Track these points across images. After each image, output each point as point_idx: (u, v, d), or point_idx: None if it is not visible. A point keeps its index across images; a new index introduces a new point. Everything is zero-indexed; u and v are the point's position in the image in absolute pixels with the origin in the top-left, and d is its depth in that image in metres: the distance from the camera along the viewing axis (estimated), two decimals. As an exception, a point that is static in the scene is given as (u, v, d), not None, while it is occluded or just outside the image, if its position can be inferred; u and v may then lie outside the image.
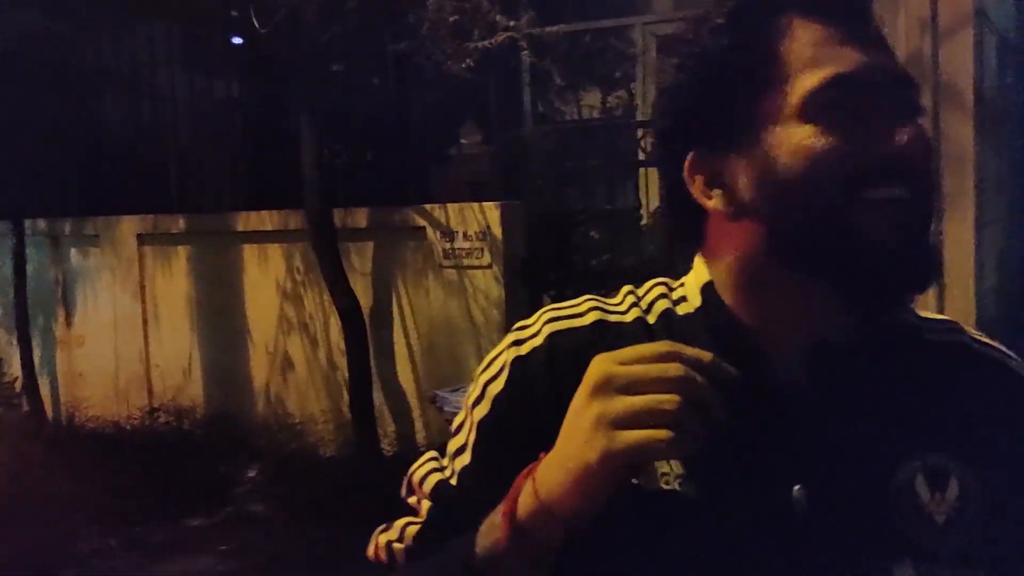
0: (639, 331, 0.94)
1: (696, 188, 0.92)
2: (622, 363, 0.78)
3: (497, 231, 5.45)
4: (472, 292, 5.53)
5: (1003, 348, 0.98)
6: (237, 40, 7.04)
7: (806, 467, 0.86)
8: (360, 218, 5.91)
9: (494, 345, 0.96)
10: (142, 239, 6.69)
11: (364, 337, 5.55)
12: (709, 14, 0.91)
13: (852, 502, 0.86)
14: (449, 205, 5.63)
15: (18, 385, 6.64)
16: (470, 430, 0.95)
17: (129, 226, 6.74)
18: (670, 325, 0.94)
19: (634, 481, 0.83)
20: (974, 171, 7.34)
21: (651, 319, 0.96)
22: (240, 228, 6.32)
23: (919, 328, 0.96)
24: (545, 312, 0.97)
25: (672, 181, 0.94)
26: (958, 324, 0.98)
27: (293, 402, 6.15)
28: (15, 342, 6.61)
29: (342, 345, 5.63)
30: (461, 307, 5.55)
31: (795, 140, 0.86)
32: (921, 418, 0.89)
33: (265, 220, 6.23)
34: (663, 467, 0.86)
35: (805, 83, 0.86)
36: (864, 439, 0.88)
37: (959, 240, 7.31)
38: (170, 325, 6.57)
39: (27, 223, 6.72)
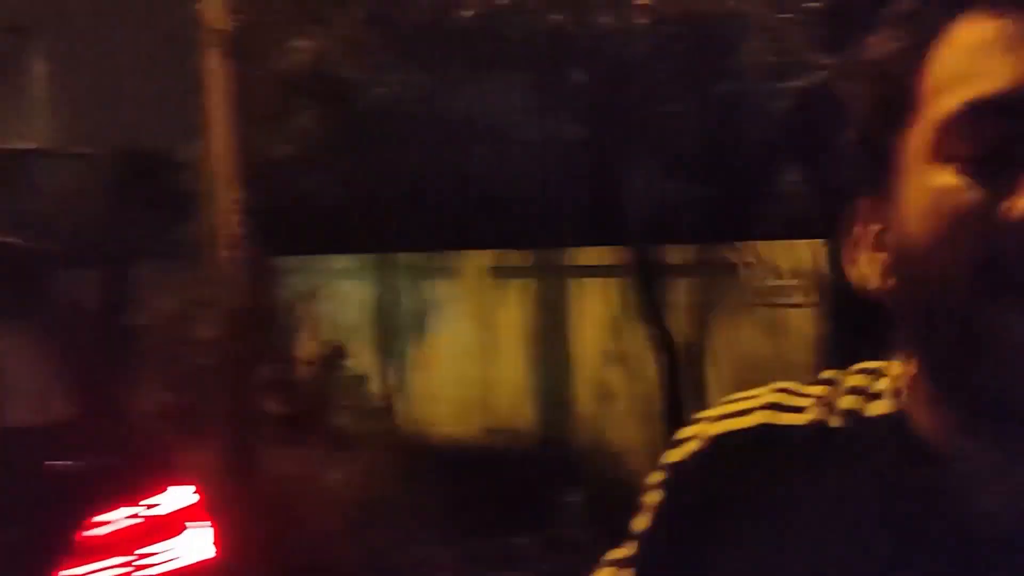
0: (811, 439, 0.75)
1: (850, 257, 0.72)
2: None
3: (817, 270, 5.38)
4: (788, 331, 5.49)
5: None
6: (579, 82, 7.42)
7: None
8: (682, 255, 6.05)
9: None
10: (490, 272, 7.25)
11: (678, 372, 5.67)
12: (879, 17, 0.70)
13: None
14: (771, 242, 5.62)
15: (379, 402, 7.39)
16: (633, 542, 0.83)
17: (479, 260, 7.33)
18: (854, 430, 0.74)
19: None
20: None
21: (833, 421, 0.75)
22: (573, 263, 6.69)
23: None
24: (721, 403, 0.83)
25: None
26: None
27: (613, 431, 6.39)
28: (378, 363, 7.38)
29: (659, 379, 5.79)
30: (775, 346, 5.52)
31: (920, 195, 0.63)
32: None
33: (595, 256, 6.54)
34: None
35: (939, 108, 0.63)
36: None
37: None
38: (509, 352, 7.06)
39: (394, 257, 7.50)
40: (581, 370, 6.58)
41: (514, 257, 7.15)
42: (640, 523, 0.82)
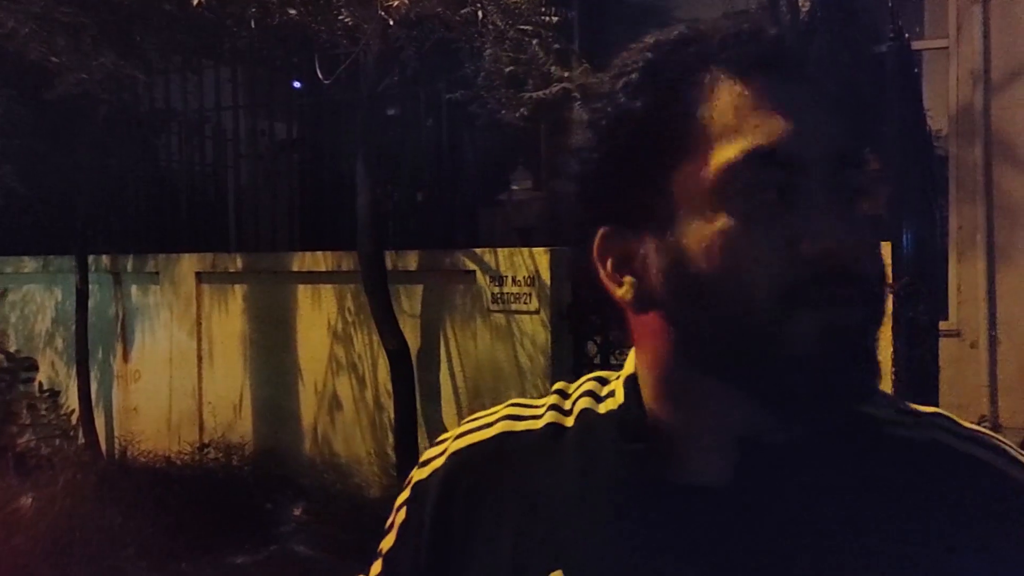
0: (547, 440, 0.86)
1: (605, 273, 0.80)
2: None
3: (546, 276, 5.49)
4: (519, 337, 5.56)
5: (995, 442, 0.81)
6: (297, 84, 7.20)
7: None
8: (411, 261, 5.98)
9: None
10: (200, 277, 6.83)
11: (411, 379, 5.59)
12: (625, 67, 0.77)
13: None
14: (499, 249, 5.68)
15: (74, 417, 6.77)
16: (379, 561, 0.91)
17: (188, 264, 6.89)
18: (588, 426, 0.85)
19: None
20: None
21: (569, 422, 0.86)
22: (295, 268, 6.44)
23: (889, 423, 0.80)
24: (464, 422, 0.92)
25: (584, 262, 0.82)
26: (946, 418, 0.82)
27: (340, 442, 6.21)
28: (74, 375, 6.76)
29: (389, 386, 5.68)
30: (508, 351, 5.58)
31: (710, 229, 0.73)
32: (871, 527, 0.75)
33: (319, 261, 6.34)
34: None
35: (721, 157, 0.72)
36: (796, 549, 0.74)
37: (1017, 292, 7.19)
38: (223, 362, 6.68)
39: (91, 259, 6.90)
40: (306, 379, 6.34)
41: (226, 261, 6.78)
42: (387, 542, 0.91)
